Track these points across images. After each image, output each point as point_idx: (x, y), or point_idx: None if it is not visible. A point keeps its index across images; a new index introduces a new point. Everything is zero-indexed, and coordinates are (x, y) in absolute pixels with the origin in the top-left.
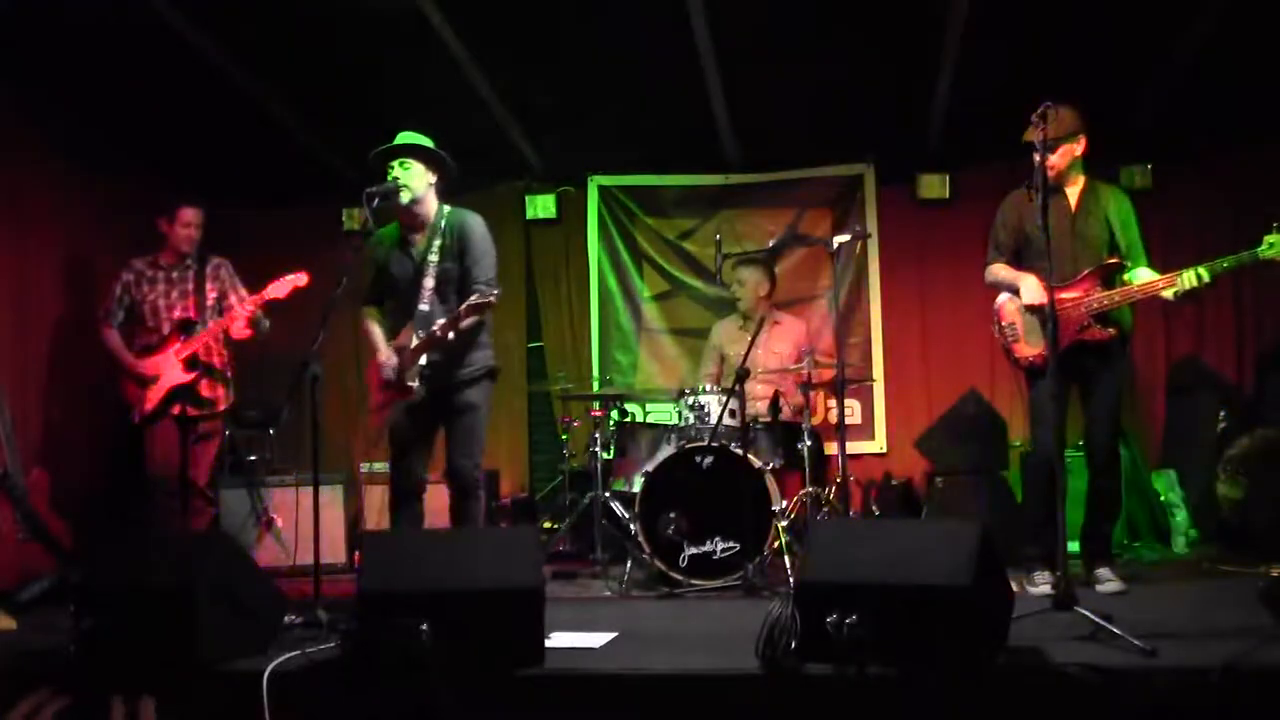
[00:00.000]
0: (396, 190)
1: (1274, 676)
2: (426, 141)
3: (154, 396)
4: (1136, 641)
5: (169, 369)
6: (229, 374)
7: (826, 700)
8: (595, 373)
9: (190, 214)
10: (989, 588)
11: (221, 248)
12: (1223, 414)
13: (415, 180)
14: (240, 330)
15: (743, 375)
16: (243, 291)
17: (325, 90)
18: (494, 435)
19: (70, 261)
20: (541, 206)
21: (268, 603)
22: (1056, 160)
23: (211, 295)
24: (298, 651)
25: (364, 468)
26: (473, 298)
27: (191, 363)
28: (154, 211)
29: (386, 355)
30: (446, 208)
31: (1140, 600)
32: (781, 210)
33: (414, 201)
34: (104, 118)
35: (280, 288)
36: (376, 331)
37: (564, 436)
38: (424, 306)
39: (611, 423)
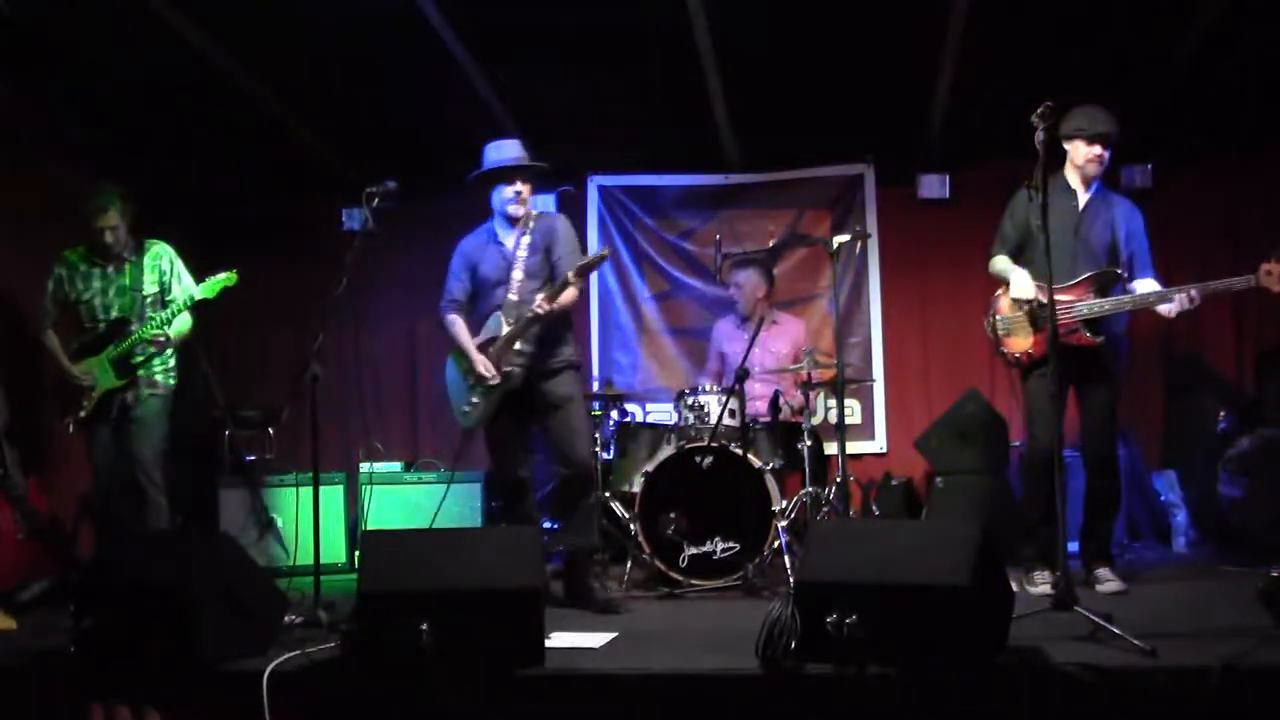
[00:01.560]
0: (396, 190)
1: (1274, 676)
2: (519, 149)
3: (88, 403)
4: (1136, 641)
5: (102, 374)
6: (166, 372)
7: (826, 700)
8: (595, 373)
9: (101, 217)
10: (989, 588)
11: (222, 247)
12: (1223, 414)
13: (527, 194)
14: (176, 330)
15: (743, 375)
16: (188, 281)
17: (325, 90)
18: None
19: None
20: (541, 206)
21: (268, 603)
22: (1106, 154)
23: (152, 290)
24: (298, 651)
25: (364, 468)
26: (578, 264)
27: (123, 367)
28: (154, 212)
29: (483, 363)
30: (535, 209)
31: (1140, 600)
32: (781, 210)
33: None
34: (103, 118)
35: (208, 288)
36: (464, 338)
37: None
38: (513, 296)
39: (612, 423)
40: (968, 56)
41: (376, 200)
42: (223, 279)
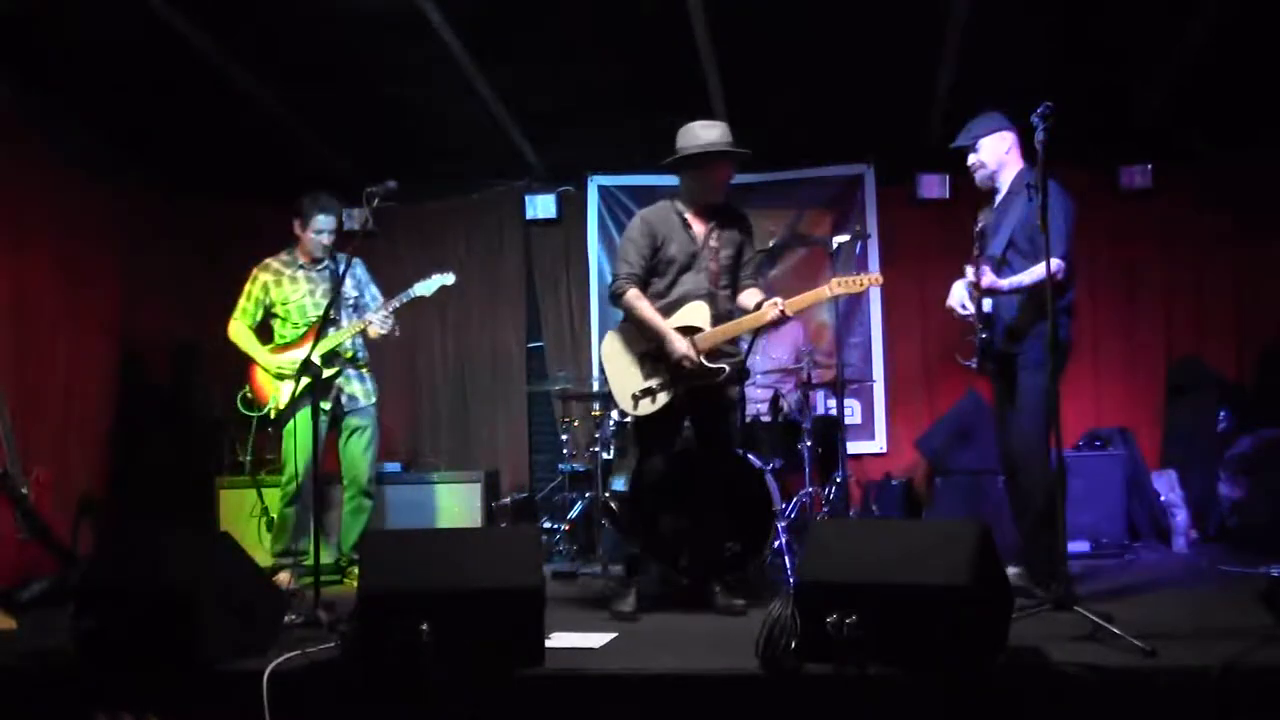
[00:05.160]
0: (396, 189)
1: (1274, 676)
2: (729, 133)
3: (289, 391)
4: (1136, 641)
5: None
6: (369, 369)
7: (826, 700)
8: (595, 373)
9: (323, 220)
10: (989, 588)
11: (222, 247)
12: (1223, 414)
13: None
14: (377, 330)
15: (743, 376)
16: (375, 290)
17: (325, 90)
18: (494, 435)
19: (70, 262)
20: (541, 206)
21: (268, 603)
22: (979, 158)
23: (353, 294)
24: (298, 651)
25: None
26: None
27: (329, 358)
28: (154, 212)
29: (686, 347)
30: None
31: (1140, 600)
32: (781, 210)
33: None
34: (103, 120)
35: (427, 286)
36: (658, 317)
37: (564, 436)
38: (711, 288)
39: (611, 423)
40: (968, 57)
41: (376, 200)
42: (440, 279)
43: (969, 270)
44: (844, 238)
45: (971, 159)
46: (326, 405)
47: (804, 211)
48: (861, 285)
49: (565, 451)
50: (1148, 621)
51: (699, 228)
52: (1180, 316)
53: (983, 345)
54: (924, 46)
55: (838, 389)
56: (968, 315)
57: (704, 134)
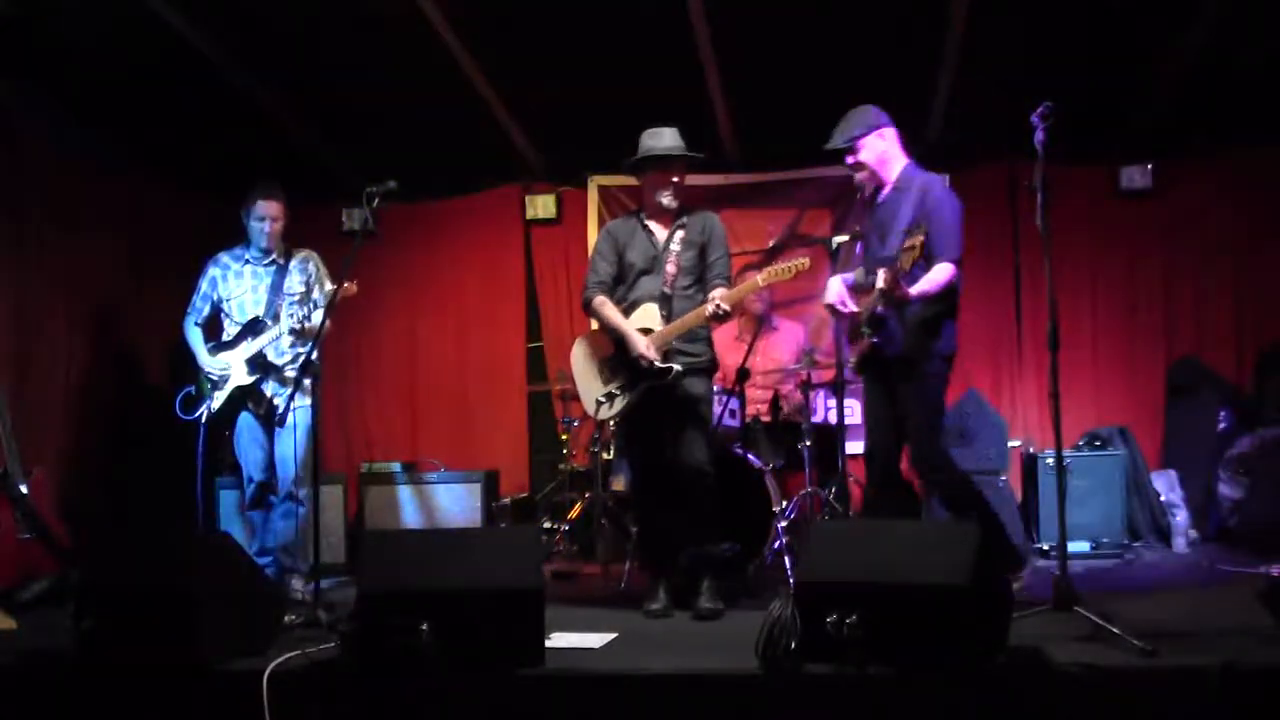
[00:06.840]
0: (396, 189)
1: (1274, 676)
2: (677, 138)
3: (220, 397)
4: (1136, 641)
5: (236, 369)
6: (308, 369)
7: (826, 700)
8: None
9: (265, 207)
10: (988, 588)
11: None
12: (1223, 414)
13: (682, 185)
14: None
15: (743, 375)
16: (329, 286)
17: (325, 90)
18: (494, 435)
19: (69, 261)
20: (541, 206)
21: (268, 603)
22: (860, 159)
23: (299, 289)
24: (298, 651)
25: (363, 468)
26: (719, 291)
27: (254, 363)
28: (154, 211)
29: (645, 346)
30: (686, 206)
31: (1140, 600)
32: (781, 210)
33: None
34: (103, 118)
35: (327, 296)
36: (621, 319)
37: (564, 436)
38: (666, 290)
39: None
40: (968, 57)
41: (376, 200)
42: (343, 289)
43: (857, 272)
44: (844, 238)
45: (850, 160)
46: (261, 411)
47: (804, 211)
48: (791, 272)
49: (565, 451)
50: (1148, 621)
51: (660, 232)
52: (1180, 316)
53: (871, 350)
54: (924, 47)
55: (837, 389)
56: (850, 314)
57: (648, 141)
